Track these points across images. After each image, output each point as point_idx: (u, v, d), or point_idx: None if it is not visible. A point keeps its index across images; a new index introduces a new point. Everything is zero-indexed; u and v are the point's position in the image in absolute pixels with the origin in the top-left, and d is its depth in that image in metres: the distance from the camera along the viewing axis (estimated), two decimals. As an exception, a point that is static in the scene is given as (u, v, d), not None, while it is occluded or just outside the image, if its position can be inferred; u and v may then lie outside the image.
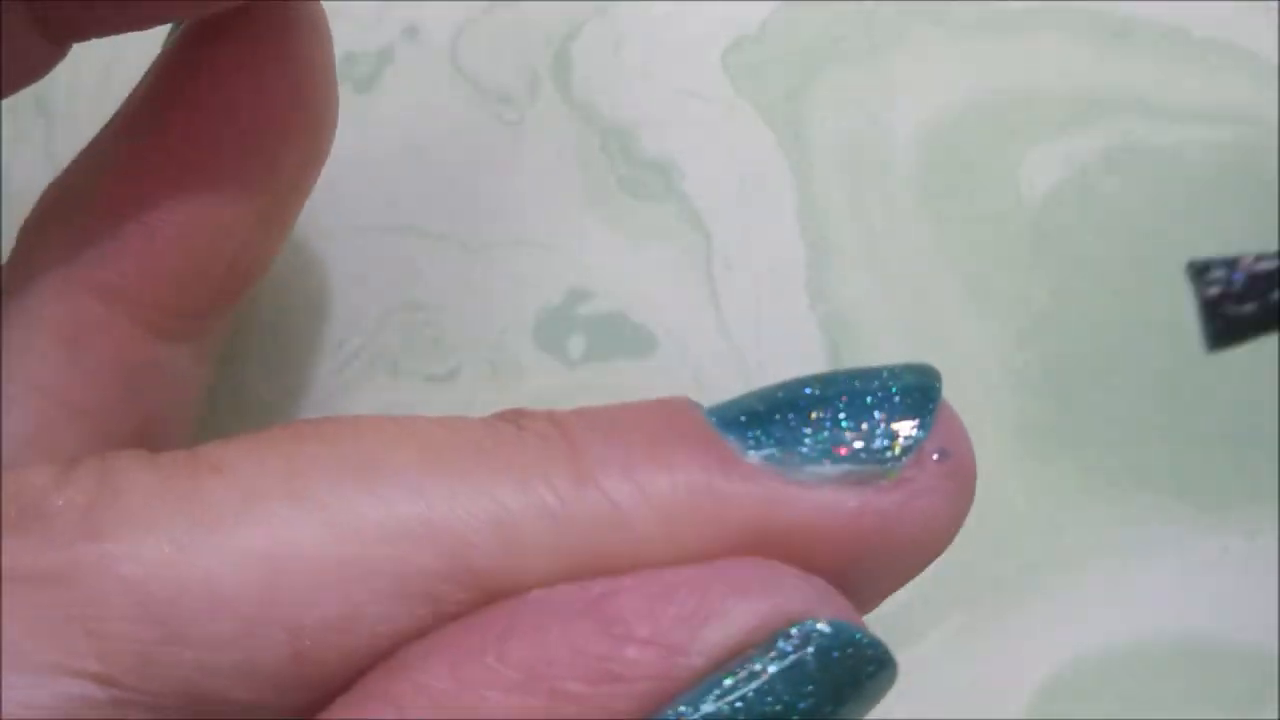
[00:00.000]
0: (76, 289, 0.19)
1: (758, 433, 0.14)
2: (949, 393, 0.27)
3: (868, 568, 0.14)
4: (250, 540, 0.13)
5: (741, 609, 0.13)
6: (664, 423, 0.14)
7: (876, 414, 0.14)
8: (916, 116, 0.27)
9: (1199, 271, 0.13)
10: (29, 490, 0.13)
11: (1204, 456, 0.25)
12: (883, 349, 0.26)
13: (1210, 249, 0.26)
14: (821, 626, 0.13)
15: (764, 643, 0.13)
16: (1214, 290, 0.12)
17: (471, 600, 0.13)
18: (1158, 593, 0.25)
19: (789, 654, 0.13)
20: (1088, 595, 0.25)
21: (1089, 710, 0.25)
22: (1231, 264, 0.12)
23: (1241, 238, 0.26)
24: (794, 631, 0.13)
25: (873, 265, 0.26)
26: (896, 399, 0.14)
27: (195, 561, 0.13)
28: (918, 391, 0.15)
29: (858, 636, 0.13)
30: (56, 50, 0.17)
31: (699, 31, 0.27)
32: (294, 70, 0.19)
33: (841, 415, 0.14)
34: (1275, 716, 0.24)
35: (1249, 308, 0.12)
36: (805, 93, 0.27)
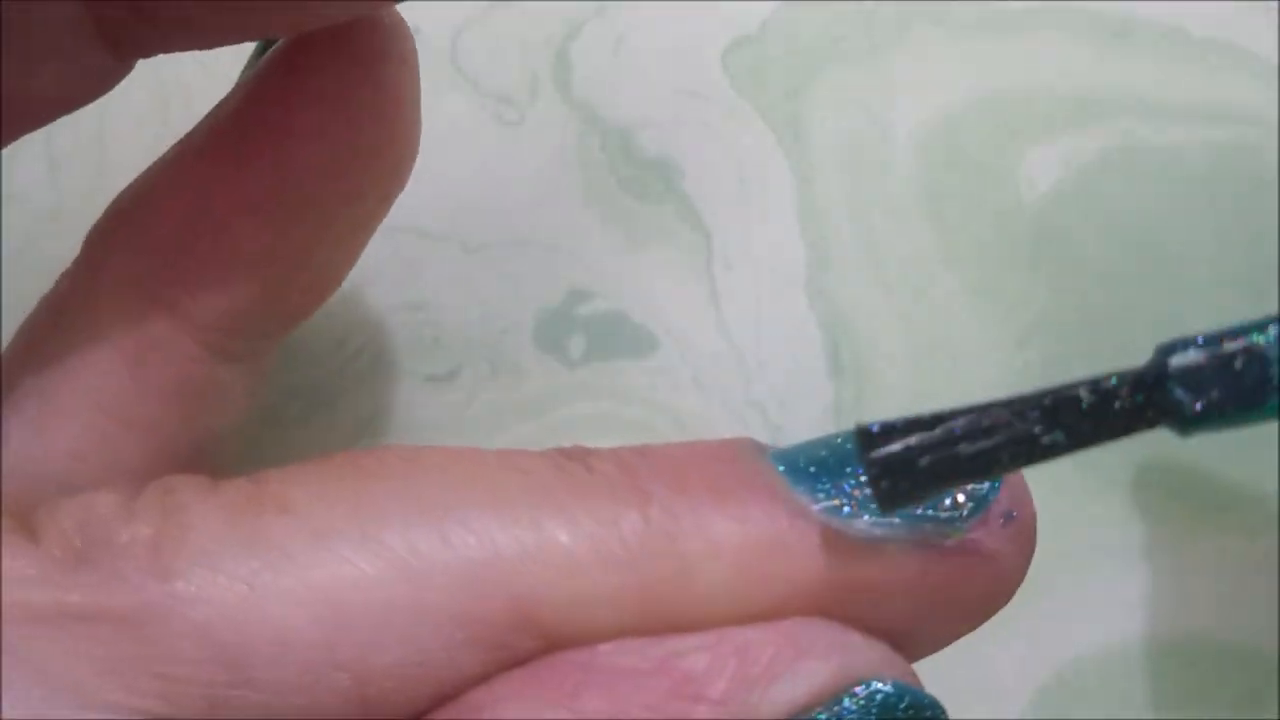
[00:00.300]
0: (144, 306, 0.19)
1: (826, 485, 0.14)
2: (949, 393, 0.27)
3: (927, 624, 0.14)
4: (319, 583, 0.13)
5: (808, 669, 0.13)
6: (732, 470, 0.14)
7: None
8: (916, 116, 0.27)
9: (863, 435, 0.13)
10: (94, 520, 0.13)
11: (1204, 456, 0.25)
12: (883, 349, 0.26)
13: (1210, 249, 0.26)
14: (884, 687, 0.13)
15: (829, 702, 0.13)
16: (879, 455, 0.13)
17: (536, 648, 0.13)
18: (1158, 593, 0.25)
19: (852, 713, 0.13)
20: (1088, 595, 0.25)
21: (1089, 710, 0.25)
22: (896, 428, 0.13)
23: (1241, 237, 0.26)
24: (859, 691, 0.13)
25: (873, 265, 0.26)
26: None
27: (264, 604, 0.13)
28: None
29: (920, 697, 0.14)
30: (122, 66, 0.17)
31: (699, 31, 0.27)
32: (383, 102, 0.19)
33: None
34: (1275, 717, 0.24)
35: (915, 472, 0.13)
36: (805, 93, 0.27)
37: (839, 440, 0.14)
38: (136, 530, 0.13)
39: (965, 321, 0.26)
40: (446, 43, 0.27)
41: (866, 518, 0.14)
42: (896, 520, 0.14)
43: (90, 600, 0.13)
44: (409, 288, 0.26)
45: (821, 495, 0.14)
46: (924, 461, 0.13)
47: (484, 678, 0.13)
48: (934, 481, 0.13)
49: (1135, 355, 0.13)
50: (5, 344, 0.20)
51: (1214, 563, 0.25)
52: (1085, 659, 0.25)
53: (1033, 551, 0.15)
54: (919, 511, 0.14)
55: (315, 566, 0.13)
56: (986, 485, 0.14)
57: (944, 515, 0.14)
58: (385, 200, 0.20)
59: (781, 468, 0.14)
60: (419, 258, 0.26)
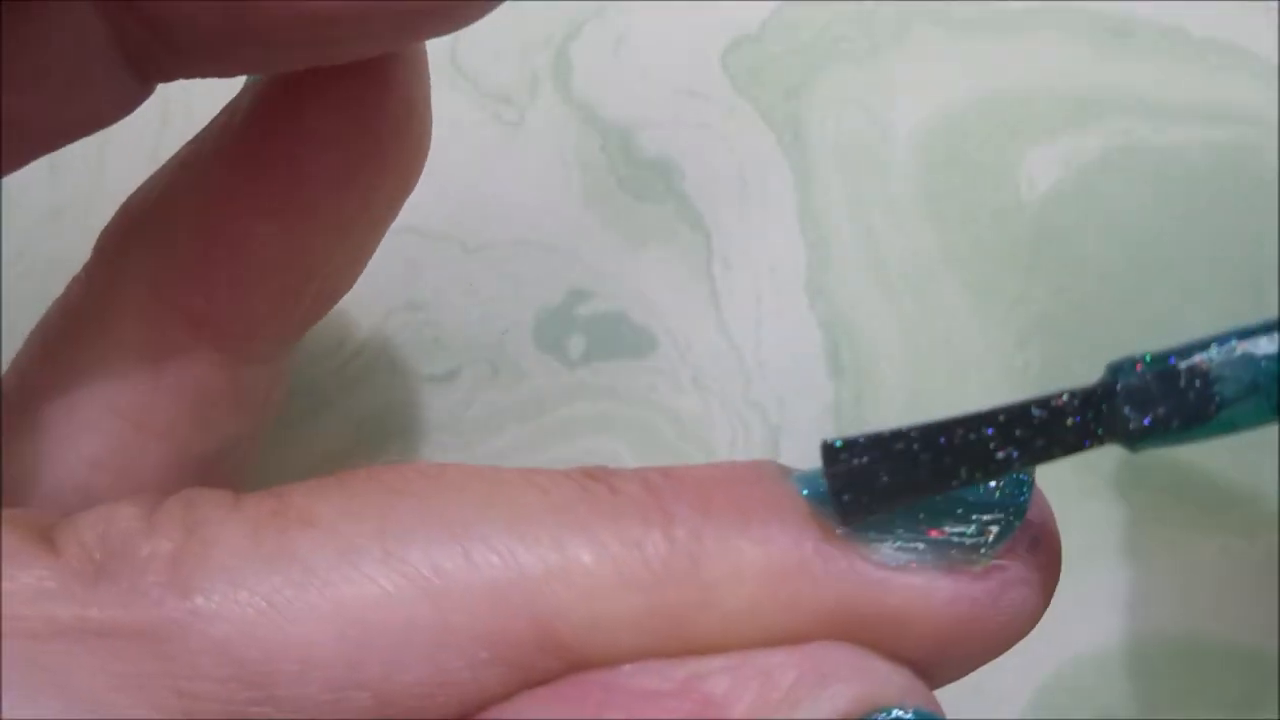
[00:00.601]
0: (160, 311, 0.18)
1: None
2: (949, 393, 0.27)
3: (952, 651, 0.14)
4: (342, 601, 0.13)
5: (830, 694, 0.13)
6: (757, 492, 0.14)
7: (971, 498, 0.14)
8: (916, 116, 0.27)
9: (827, 450, 0.13)
10: (115, 533, 0.13)
11: (1204, 456, 0.25)
12: (883, 349, 0.26)
13: (1210, 249, 0.26)
14: (906, 715, 0.13)
15: None
16: (841, 469, 0.13)
17: (559, 668, 0.13)
18: (1158, 593, 0.25)
19: None
20: (1087, 595, 0.25)
21: (1089, 710, 0.25)
22: (859, 444, 0.13)
23: (1241, 237, 0.26)
24: (880, 718, 0.13)
25: (873, 265, 0.26)
26: (991, 484, 0.14)
27: (286, 622, 0.13)
28: (1012, 477, 0.14)
29: None
30: (144, 89, 0.17)
31: (699, 31, 0.27)
32: (394, 107, 0.19)
33: (937, 497, 0.14)
34: (1275, 717, 0.24)
35: (876, 486, 0.13)
36: (805, 93, 0.27)
37: None
38: (157, 545, 0.13)
39: (965, 321, 0.26)
40: (446, 43, 0.27)
41: (892, 542, 0.14)
42: (922, 545, 0.14)
43: (109, 615, 0.13)
44: (409, 288, 0.26)
45: None
46: (884, 476, 0.13)
47: (506, 696, 0.13)
48: (893, 495, 0.14)
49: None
50: (8, 346, 0.20)
51: (1214, 563, 0.25)
52: (1085, 659, 0.25)
53: (1058, 578, 0.15)
54: (944, 535, 0.14)
55: (338, 584, 0.13)
56: (1013, 511, 0.14)
57: (969, 542, 0.14)
58: (396, 203, 0.20)
59: (806, 491, 0.14)
60: (419, 258, 0.26)
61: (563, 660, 0.13)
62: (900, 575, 0.14)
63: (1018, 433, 0.13)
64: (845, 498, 0.13)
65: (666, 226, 0.27)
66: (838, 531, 0.14)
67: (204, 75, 0.17)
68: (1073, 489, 0.25)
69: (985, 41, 0.27)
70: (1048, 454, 0.13)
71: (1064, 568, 0.25)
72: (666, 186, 0.27)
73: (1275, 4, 0.27)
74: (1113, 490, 0.25)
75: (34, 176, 0.27)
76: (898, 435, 0.13)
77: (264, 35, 0.15)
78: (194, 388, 0.19)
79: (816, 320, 0.26)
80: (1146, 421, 0.13)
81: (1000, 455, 0.13)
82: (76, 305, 0.19)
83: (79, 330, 0.19)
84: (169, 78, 0.17)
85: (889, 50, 0.27)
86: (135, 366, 0.18)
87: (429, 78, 0.19)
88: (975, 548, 0.14)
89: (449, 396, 0.26)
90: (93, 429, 0.18)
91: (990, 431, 0.13)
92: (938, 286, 0.26)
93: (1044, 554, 0.15)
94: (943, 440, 0.13)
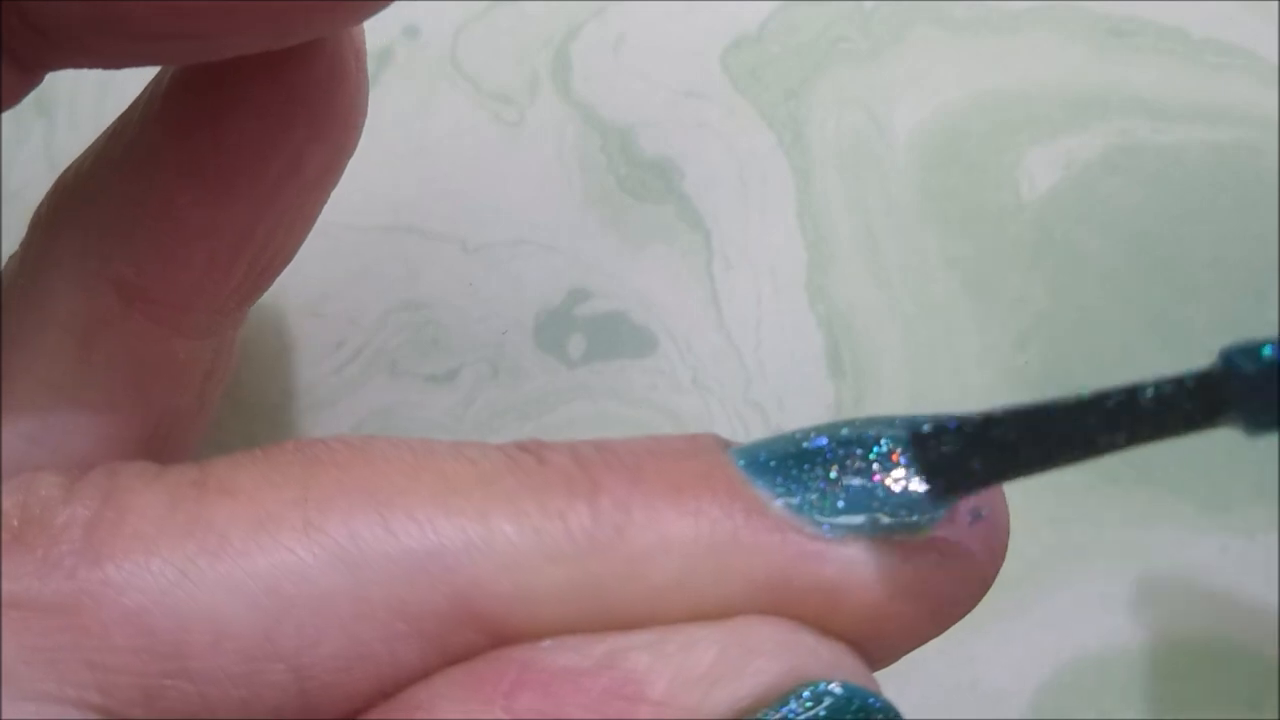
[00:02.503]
0: (91, 283, 0.18)
1: (786, 480, 0.14)
2: (949, 392, 0.27)
3: (891, 626, 0.14)
4: (258, 571, 0.13)
5: (753, 670, 0.13)
6: (690, 466, 0.14)
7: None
8: (916, 116, 0.27)
9: (916, 435, 0.13)
10: (34, 501, 0.13)
11: (1204, 456, 0.25)
12: (883, 349, 0.26)
13: (1210, 249, 0.26)
14: (834, 688, 0.13)
15: (775, 703, 0.13)
16: (934, 455, 0.13)
17: (481, 643, 0.13)
18: (1158, 593, 0.25)
19: (798, 715, 0.13)
20: (1088, 595, 0.25)
21: (1089, 710, 0.25)
22: (948, 429, 0.13)
23: (1241, 237, 0.26)
24: (805, 693, 0.13)
25: (873, 265, 0.26)
26: None
27: (200, 591, 0.12)
28: None
29: (870, 700, 0.13)
30: (29, 79, 0.16)
31: (699, 31, 0.27)
32: (323, 67, 0.18)
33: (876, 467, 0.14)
34: (1275, 717, 0.24)
35: (970, 473, 0.13)
36: (805, 93, 0.27)
37: (804, 434, 0.14)
38: (74, 512, 0.13)
39: (965, 321, 0.26)
40: (447, 42, 0.27)
41: (827, 515, 0.13)
42: (859, 519, 0.13)
43: (22, 587, 0.12)
44: (409, 288, 0.26)
45: (782, 491, 0.14)
46: (976, 462, 0.13)
47: (426, 672, 0.13)
48: (986, 480, 0.13)
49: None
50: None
51: (1214, 563, 0.25)
52: (1085, 659, 0.25)
53: (1004, 551, 0.14)
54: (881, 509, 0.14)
55: (254, 553, 0.13)
56: None
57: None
58: (331, 169, 0.19)
59: (742, 462, 0.14)
60: (419, 258, 0.26)
61: (484, 634, 0.13)
62: (836, 546, 0.13)
63: (1124, 419, 0.13)
64: (937, 482, 0.13)
65: (666, 226, 0.27)
66: (773, 504, 0.13)
67: (86, 66, 0.16)
68: (1073, 488, 0.25)
69: (985, 41, 0.27)
70: (1153, 439, 0.13)
71: (1064, 567, 0.25)
72: (666, 186, 0.27)
73: (1275, 4, 0.27)
74: (1113, 489, 0.25)
75: (34, 176, 0.27)
76: (992, 421, 0.13)
77: (132, 28, 0.15)
78: (128, 361, 0.18)
79: (816, 320, 0.26)
80: (1266, 415, 0.13)
81: (1102, 441, 0.13)
82: (10, 280, 0.19)
83: (12, 305, 0.18)
84: (50, 67, 0.16)
85: (889, 50, 0.27)
86: (66, 338, 0.18)
87: (363, 41, 0.19)
88: (913, 520, 0.14)
89: (449, 396, 0.26)
90: (27, 404, 0.18)
91: (1094, 420, 0.13)
92: (938, 286, 0.26)
93: (987, 526, 0.14)
94: (1043, 428, 0.13)
